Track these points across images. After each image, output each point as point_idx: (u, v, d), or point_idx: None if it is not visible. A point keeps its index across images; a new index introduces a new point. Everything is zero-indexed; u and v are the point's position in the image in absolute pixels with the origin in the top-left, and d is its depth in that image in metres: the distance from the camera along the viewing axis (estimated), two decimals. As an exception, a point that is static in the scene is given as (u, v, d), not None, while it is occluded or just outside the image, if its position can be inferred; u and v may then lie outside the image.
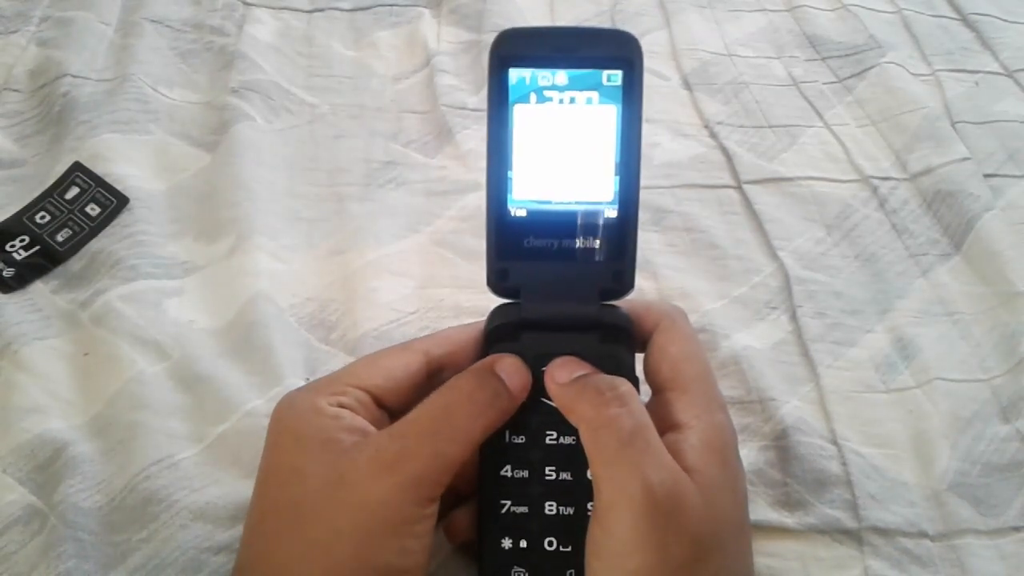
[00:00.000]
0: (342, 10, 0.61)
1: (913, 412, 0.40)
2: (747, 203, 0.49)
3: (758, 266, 0.46)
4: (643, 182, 0.52)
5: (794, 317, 0.43)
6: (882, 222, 0.49)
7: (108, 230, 0.45)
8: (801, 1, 0.64)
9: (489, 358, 0.30)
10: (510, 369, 0.30)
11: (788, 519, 0.36)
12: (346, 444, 0.28)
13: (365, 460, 0.27)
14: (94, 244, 0.45)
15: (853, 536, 0.35)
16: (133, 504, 0.34)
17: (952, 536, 0.36)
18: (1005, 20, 0.63)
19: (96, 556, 0.33)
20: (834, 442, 0.38)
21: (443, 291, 0.44)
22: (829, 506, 0.36)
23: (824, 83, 0.58)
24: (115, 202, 0.46)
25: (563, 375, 0.29)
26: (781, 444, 0.38)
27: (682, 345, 0.31)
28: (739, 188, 0.50)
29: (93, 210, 0.46)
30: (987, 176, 0.50)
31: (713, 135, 0.53)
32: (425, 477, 0.28)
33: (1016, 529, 0.36)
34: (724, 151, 0.52)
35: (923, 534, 0.35)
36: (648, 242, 0.47)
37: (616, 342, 0.31)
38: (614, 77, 0.30)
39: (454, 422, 0.28)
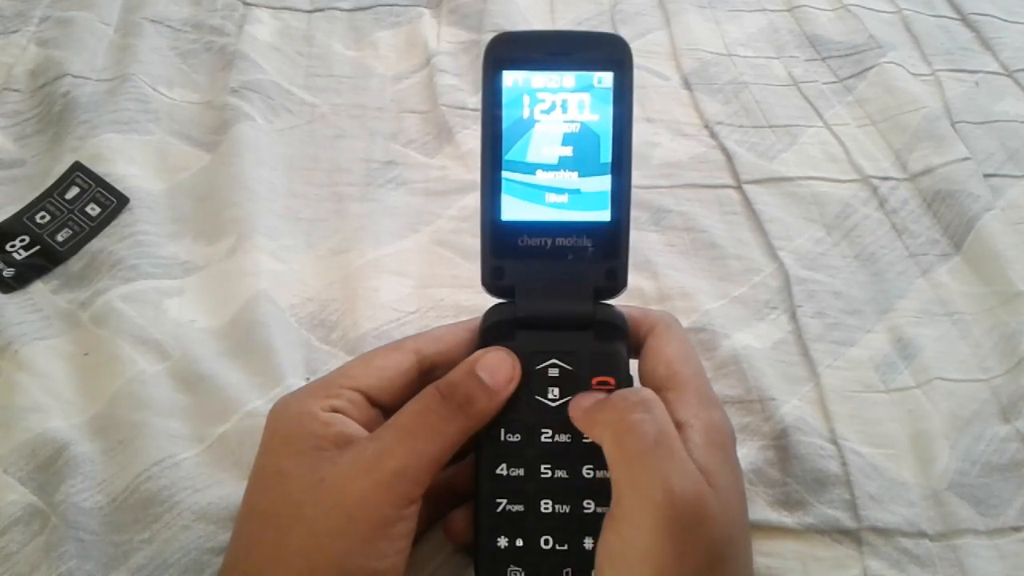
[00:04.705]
0: (342, 10, 0.61)
1: (913, 412, 0.40)
2: (747, 203, 0.49)
3: (758, 266, 0.46)
4: (643, 182, 0.52)
5: (794, 317, 0.43)
6: (882, 222, 0.49)
7: (108, 230, 0.45)
8: (801, 1, 0.64)
9: (471, 357, 0.31)
10: (492, 365, 0.30)
11: (787, 519, 0.36)
12: (331, 449, 0.28)
13: (345, 462, 0.28)
14: (94, 244, 0.45)
15: (852, 536, 0.35)
16: (135, 504, 0.34)
17: (951, 536, 0.36)
18: (1005, 20, 0.63)
19: (98, 556, 0.33)
20: (834, 442, 0.38)
21: (443, 291, 0.44)
22: (828, 506, 0.36)
23: (824, 83, 0.58)
24: (115, 202, 0.46)
25: (587, 400, 0.30)
26: (781, 443, 0.38)
27: (677, 347, 0.32)
28: (739, 188, 0.50)
29: (93, 210, 0.46)
30: (987, 176, 0.50)
31: (713, 135, 0.53)
32: (403, 474, 0.28)
33: (1016, 529, 0.36)
34: (724, 151, 0.52)
35: (922, 534, 0.35)
36: (648, 242, 0.47)
37: (611, 339, 0.31)
38: (605, 79, 0.31)
39: (429, 424, 0.29)
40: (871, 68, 0.58)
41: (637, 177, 0.50)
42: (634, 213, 0.48)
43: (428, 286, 0.45)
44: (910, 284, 0.45)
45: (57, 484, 0.35)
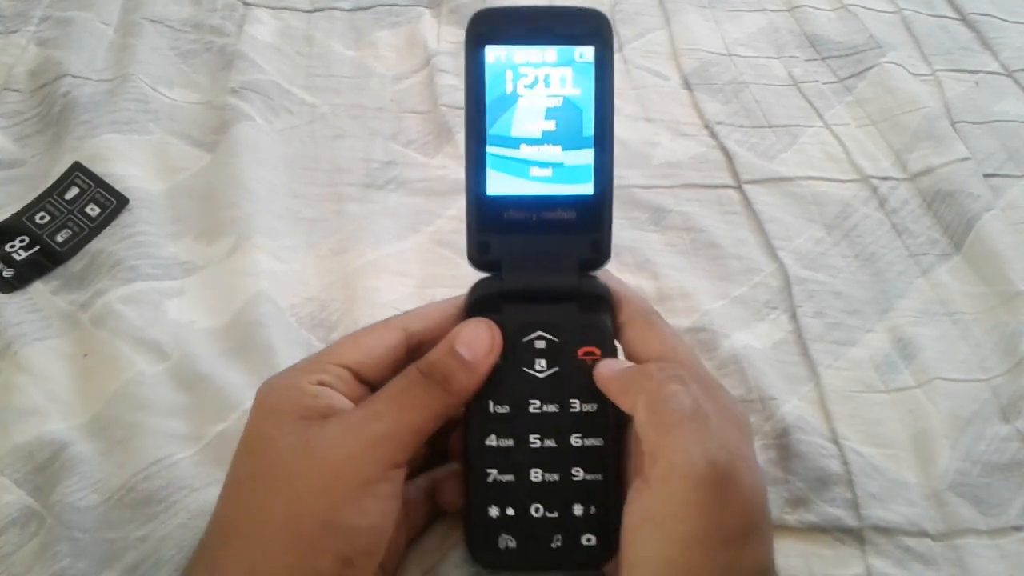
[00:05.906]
0: (342, 10, 0.61)
1: (913, 412, 0.40)
2: (747, 203, 0.49)
3: (758, 266, 0.46)
4: (643, 181, 0.52)
5: (794, 317, 0.43)
6: (882, 222, 0.49)
7: (108, 230, 0.45)
8: (801, 1, 0.64)
9: (451, 333, 0.31)
10: (470, 339, 0.30)
11: (789, 516, 0.35)
12: (318, 418, 0.28)
13: (332, 427, 0.28)
14: (94, 244, 0.45)
15: (855, 535, 0.35)
16: (131, 503, 0.34)
17: (953, 536, 0.36)
18: (1005, 20, 0.63)
19: (91, 554, 0.33)
20: (834, 441, 0.38)
21: (443, 290, 0.44)
22: (830, 505, 0.36)
23: (824, 83, 0.58)
24: (115, 202, 0.46)
25: (616, 366, 0.30)
26: (782, 443, 0.38)
27: (660, 345, 0.31)
28: (739, 188, 0.50)
29: (93, 210, 0.46)
30: (987, 176, 0.50)
31: (713, 135, 0.53)
32: (389, 438, 0.28)
33: (1017, 529, 0.36)
34: (724, 151, 0.52)
35: (924, 533, 0.35)
36: (648, 241, 0.47)
37: (596, 311, 0.32)
38: (586, 53, 0.31)
39: (413, 396, 0.29)
40: (871, 68, 0.58)
41: (637, 177, 0.51)
42: (634, 213, 0.49)
43: (428, 286, 0.45)
44: (910, 284, 0.45)
45: (53, 485, 0.35)
